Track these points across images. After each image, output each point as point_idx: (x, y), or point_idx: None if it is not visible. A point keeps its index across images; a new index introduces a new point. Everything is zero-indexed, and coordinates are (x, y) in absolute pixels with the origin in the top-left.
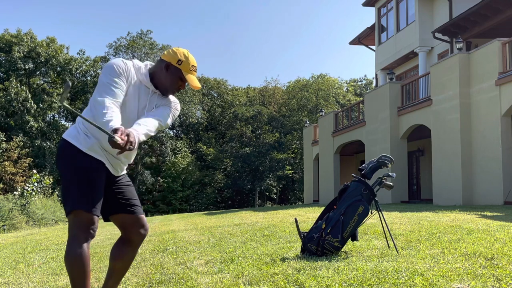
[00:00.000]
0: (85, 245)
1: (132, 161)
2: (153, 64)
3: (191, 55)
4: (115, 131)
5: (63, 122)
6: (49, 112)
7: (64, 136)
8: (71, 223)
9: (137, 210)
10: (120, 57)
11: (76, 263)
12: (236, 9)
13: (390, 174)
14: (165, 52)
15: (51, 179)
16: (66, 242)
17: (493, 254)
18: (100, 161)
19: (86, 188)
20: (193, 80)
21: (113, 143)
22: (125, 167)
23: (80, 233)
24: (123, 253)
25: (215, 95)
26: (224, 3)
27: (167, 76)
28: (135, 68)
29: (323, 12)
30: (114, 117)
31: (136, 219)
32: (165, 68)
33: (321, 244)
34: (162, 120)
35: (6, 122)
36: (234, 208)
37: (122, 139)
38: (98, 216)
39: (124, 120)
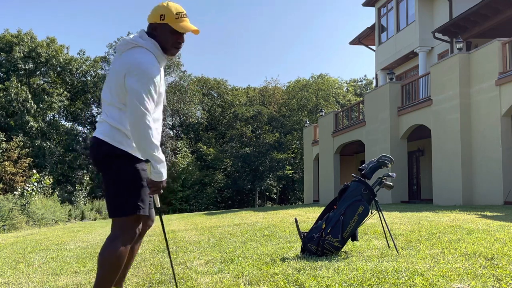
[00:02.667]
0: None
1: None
2: (144, 32)
3: (172, 3)
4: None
5: (63, 122)
6: (49, 112)
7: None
8: (131, 223)
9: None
10: None
11: (123, 259)
12: (236, 10)
13: (390, 174)
14: (149, 14)
15: (51, 179)
16: (65, 242)
17: (493, 254)
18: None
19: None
20: (185, 27)
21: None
22: None
23: (134, 234)
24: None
25: (215, 95)
26: (224, 4)
27: (160, 37)
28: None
29: (323, 12)
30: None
31: (151, 217)
32: (154, 30)
33: (321, 244)
34: None
35: (6, 122)
36: (234, 208)
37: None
38: None
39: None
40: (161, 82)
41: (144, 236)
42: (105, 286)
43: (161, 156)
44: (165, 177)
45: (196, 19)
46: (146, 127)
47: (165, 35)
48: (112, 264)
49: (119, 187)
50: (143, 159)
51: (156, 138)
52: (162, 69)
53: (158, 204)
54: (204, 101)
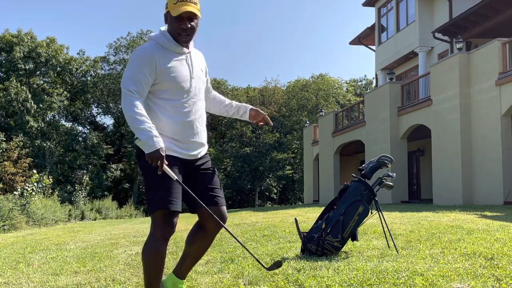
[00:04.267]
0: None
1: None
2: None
3: None
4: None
5: (63, 122)
6: (49, 112)
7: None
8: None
9: (219, 200)
10: (120, 57)
11: (155, 255)
12: (236, 10)
13: (390, 174)
14: None
15: (50, 179)
16: (65, 242)
17: (493, 254)
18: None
19: None
20: (178, 10)
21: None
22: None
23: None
24: (196, 239)
25: None
26: (224, 4)
27: (168, 26)
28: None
29: (323, 12)
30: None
31: (215, 210)
32: (165, 21)
33: (321, 244)
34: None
35: (6, 122)
36: (234, 208)
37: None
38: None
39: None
40: (170, 65)
41: (146, 236)
42: (148, 283)
43: (146, 127)
44: (157, 147)
45: None
46: (127, 104)
47: (170, 23)
48: (146, 260)
49: (147, 184)
50: (170, 154)
51: (180, 123)
52: (178, 55)
53: (173, 177)
54: None
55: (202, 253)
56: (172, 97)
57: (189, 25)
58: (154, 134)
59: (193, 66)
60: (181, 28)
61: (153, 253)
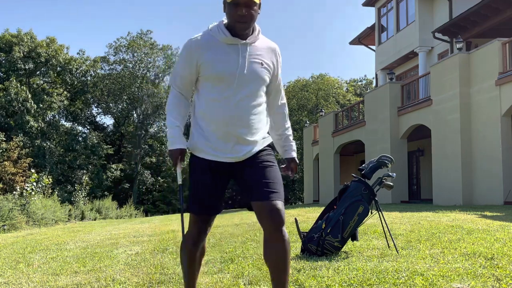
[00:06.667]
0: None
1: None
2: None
3: None
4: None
5: (63, 122)
6: (49, 112)
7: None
8: None
9: (268, 195)
10: (120, 57)
11: (184, 254)
12: None
13: (390, 174)
14: None
15: (50, 179)
16: (65, 242)
17: (493, 254)
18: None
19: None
20: None
21: None
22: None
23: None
24: (266, 250)
25: None
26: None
27: (227, 15)
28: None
29: (323, 12)
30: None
31: (263, 205)
32: (223, 10)
33: (321, 244)
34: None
35: (6, 122)
36: (234, 208)
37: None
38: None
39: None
40: (214, 57)
41: (146, 236)
42: (184, 278)
43: (172, 125)
44: (171, 147)
45: (197, 19)
46: (168, 98)
47: (228, 12)
48: (180, 257)
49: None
50: (200, 156)
51: (216, 120)
52: (228, 47)
53: (179, 181)
54: None
55: (280, 263)
56: (211, 91)
57: (246, 12)
58: (173, 134)
59: (247, 58)
60: (237, 15)
61: (182, 251)
